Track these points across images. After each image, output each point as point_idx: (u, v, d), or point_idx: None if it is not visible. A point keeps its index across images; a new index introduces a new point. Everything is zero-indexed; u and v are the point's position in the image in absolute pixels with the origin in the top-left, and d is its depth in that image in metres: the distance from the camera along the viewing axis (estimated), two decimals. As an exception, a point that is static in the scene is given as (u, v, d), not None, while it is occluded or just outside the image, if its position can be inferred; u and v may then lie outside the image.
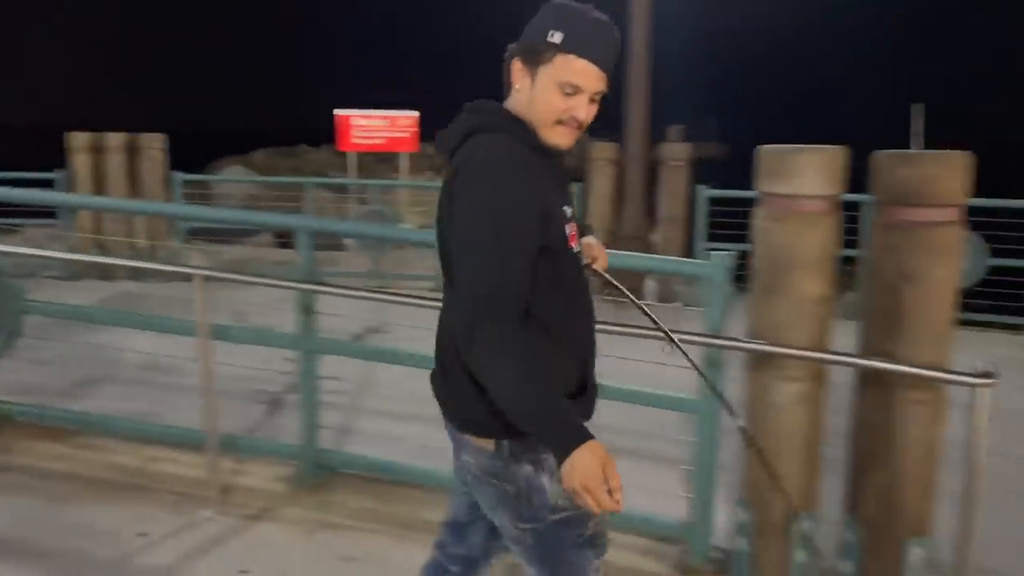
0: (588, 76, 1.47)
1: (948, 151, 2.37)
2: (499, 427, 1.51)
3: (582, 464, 1.32)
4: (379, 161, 24.54)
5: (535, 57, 1.48)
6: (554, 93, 1.48)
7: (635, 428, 3.73)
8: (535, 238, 1.44)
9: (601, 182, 7.59)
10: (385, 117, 11.76)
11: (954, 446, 2.41)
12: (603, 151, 7.63)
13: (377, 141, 11.85)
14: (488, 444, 1.56)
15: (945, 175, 2.34)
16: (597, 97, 1.51)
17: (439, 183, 1.64)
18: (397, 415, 4.31)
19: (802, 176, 2.40)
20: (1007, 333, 6.57)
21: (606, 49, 1.49)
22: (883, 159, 2.44)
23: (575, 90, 1.47)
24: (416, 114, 11.80)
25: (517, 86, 1.52)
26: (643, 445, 3.80)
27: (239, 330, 3.65)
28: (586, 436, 1.36)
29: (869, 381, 2.52)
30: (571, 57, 1.46)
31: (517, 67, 1.51)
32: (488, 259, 1.40)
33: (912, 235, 2.37)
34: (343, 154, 12.45)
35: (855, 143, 3.25)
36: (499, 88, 1.58)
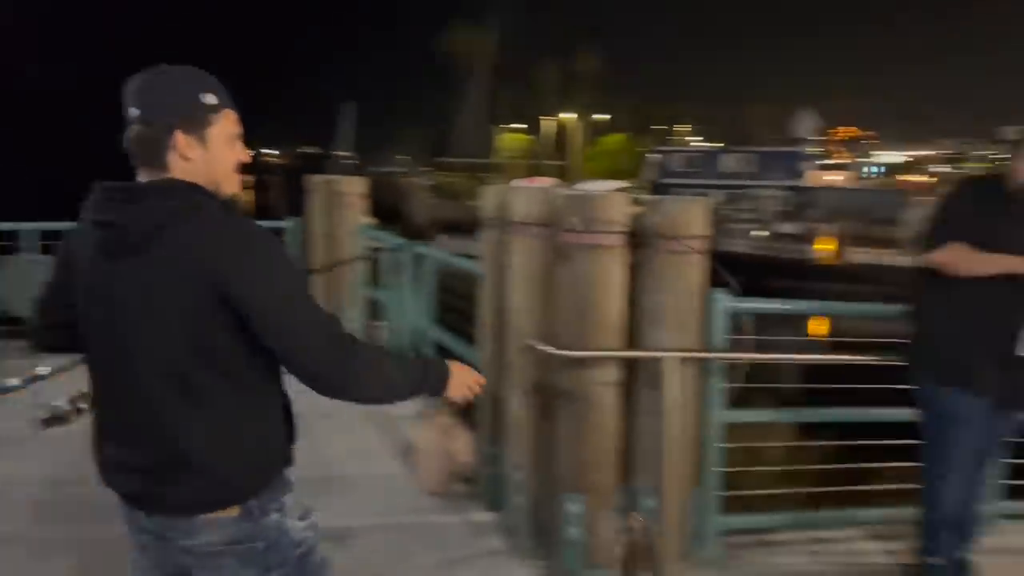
0: (238, 123, 1.63)
1: None
2: (241, 491, 1.59)
3: (459, 376, 1.78)
4: None
5: (201, 122, 1.54)
6: (228, 147, 1.59)
7: None
8: None
9: None
10: None
11: None
12: None
13: None
14: (232, 511, 1.58)
15: None
16: None
17: None
18: None
19: None
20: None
21: None
22: None
23: (236, 138, 1.62)
24: None
25: (190, 156, 1.53)
26: None
27: None
28: (446, 361, 1.79)
29: None
30: (226, 111, 1.59)
31: (182, 139, 1.52)
32: (311, 305, 1.56)
33: None
34: None
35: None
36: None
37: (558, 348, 2.92)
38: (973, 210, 2.80)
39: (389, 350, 1.77)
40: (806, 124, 46.74)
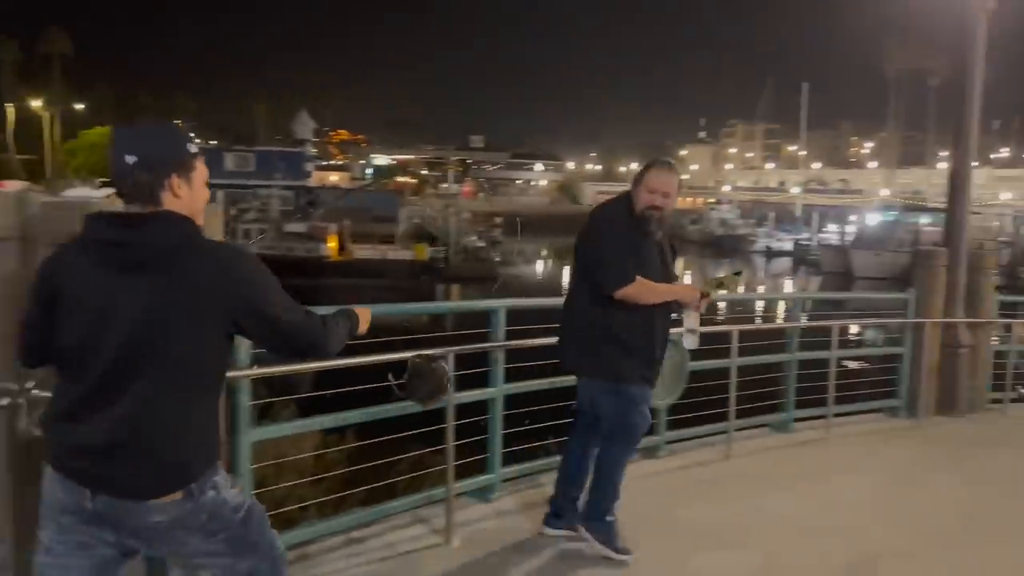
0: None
1: None
2: (184, 476, 1.86)
3: (362, 315, 2.28)
4: None
5: (188, 166, 1.92)
6: (203, 187, 1.98)
7: None
8: None
9: None
10: None
11: None
12: None
13: None
14: (176, 495, 1.85)
15: None
16: None
17: None
18: None
19: None
20: None
21: None
22: None
23: (207, 179, 2.01)
24: None
25: (180, 194, 1.89)
26: None
27: None
28: (354, 310, 2.27)
29: None
30: (201, 158, 1.97)
31: (176, 182, 1.89)
32: (289, 298, 1.98)
33: None
34: None
35: None
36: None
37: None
38: (635, 242, 3.28)
39: (331, 312, 2.15)
40: (307, 126, 48.00)
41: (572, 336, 3.48)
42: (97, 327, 1.80)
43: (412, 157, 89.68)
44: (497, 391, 4.10)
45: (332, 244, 31.54)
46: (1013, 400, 7.22)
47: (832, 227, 44.73)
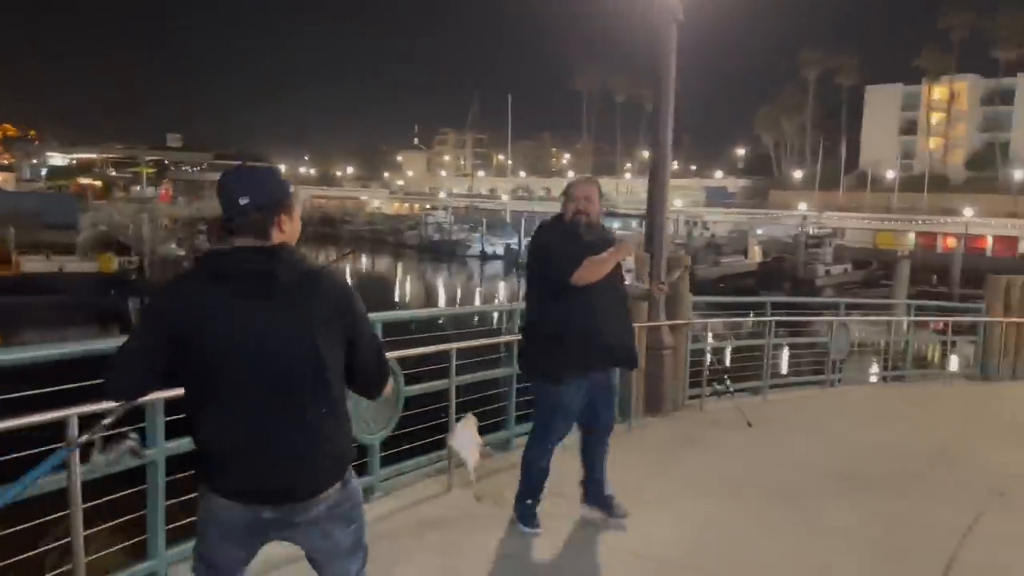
0: None
1: None
2: (342, 465, 2.19)
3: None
4: None
5: (290, 206, 2.16)
6: (299, 220, 2.21)
7: None
8: None
9: None
10: None
11: None
12: None
13: None
14: (336, 484, 2.15)
15: None
16: None
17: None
18: None
19: None
20: None
21: None
22: None
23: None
24: None
25: (285, 229, 2.12)
26: None
27: None
28: None
29: None
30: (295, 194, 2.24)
31: (284, 218, 2.12)
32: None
33: None
34: None
35: None
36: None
37: None
38: (572, 239, 3.84)
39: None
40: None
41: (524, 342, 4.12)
42: (256, 351, 2.01)
43: (97, 156, 79.91)
44: (157, 452, 3.20)
45: (-10, 256, 26.74)
46: (708, 395, 7.69)
47: (539, 232, 47.48)
